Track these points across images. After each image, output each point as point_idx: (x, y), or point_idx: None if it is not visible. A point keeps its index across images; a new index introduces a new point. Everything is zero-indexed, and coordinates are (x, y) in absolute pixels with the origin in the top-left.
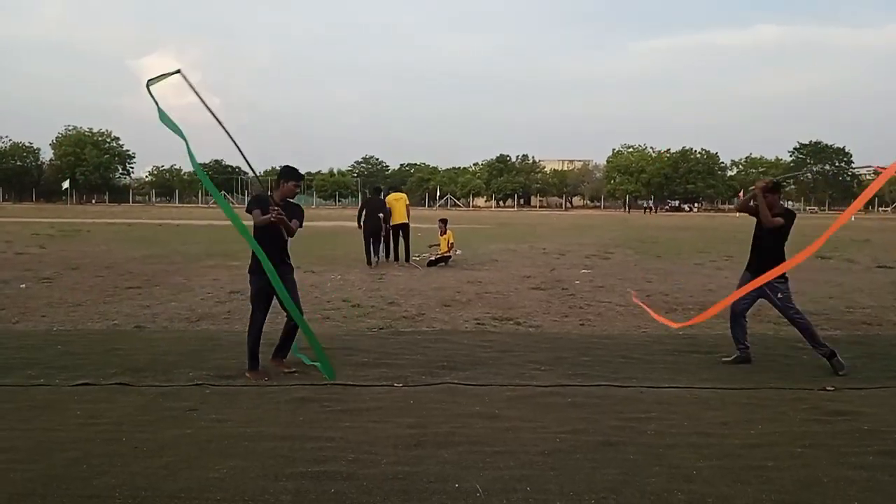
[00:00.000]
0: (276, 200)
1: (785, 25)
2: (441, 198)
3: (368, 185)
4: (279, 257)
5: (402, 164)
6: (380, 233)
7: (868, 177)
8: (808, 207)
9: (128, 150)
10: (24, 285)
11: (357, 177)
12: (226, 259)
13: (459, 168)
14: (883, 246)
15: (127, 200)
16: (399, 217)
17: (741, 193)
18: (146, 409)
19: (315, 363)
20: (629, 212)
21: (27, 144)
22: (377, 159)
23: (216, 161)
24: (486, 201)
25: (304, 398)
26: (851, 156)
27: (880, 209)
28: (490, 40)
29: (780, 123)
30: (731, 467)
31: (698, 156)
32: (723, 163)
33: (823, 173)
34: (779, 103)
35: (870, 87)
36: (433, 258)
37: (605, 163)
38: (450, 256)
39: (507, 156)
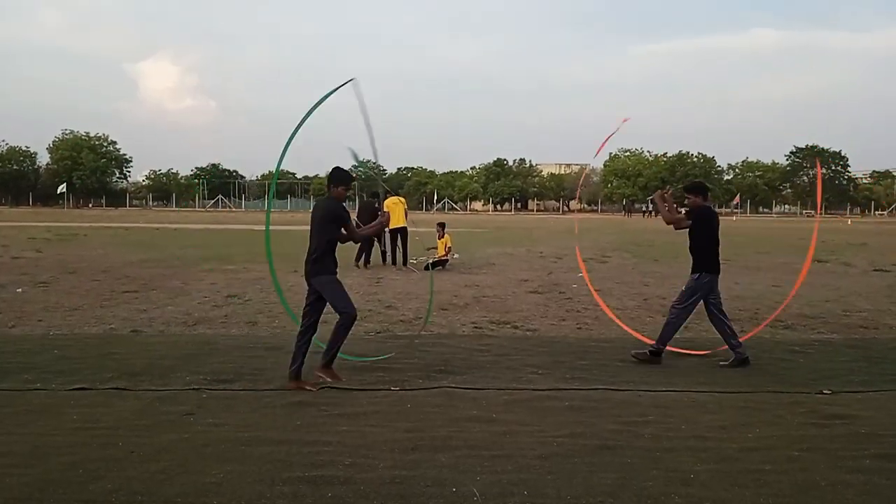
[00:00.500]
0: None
1: (783, 29)
2: (438, 201)
3: (366, 189)
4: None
5: (399, 168)
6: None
7: (864, 180)
8: (804, 211)
9: (125, 154)
10: (20, 289)
11: (355, 181)
12: (222, 263)
13: (456, 172)
14: (879, 249)
15: (124, 204)
16: (397, 221)
17: (738, 198)
18: (143, 414)
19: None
20: (629, 216)
21: (24, 148)
22: (374, 163)
23: (213, 165)
24: (483, 205)
25: (301, 402)
26: (848, 160)
27: (877, 213)
28: (488, 43)
29: (777, 127)
30: (728, 471)
31: (695, 160)
32: (719, 167)
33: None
34: (776, 107)
35: (867, 91)
36: (430, 262)
37: (602, 167)
38: (447, 260)
39: (505, 159)
